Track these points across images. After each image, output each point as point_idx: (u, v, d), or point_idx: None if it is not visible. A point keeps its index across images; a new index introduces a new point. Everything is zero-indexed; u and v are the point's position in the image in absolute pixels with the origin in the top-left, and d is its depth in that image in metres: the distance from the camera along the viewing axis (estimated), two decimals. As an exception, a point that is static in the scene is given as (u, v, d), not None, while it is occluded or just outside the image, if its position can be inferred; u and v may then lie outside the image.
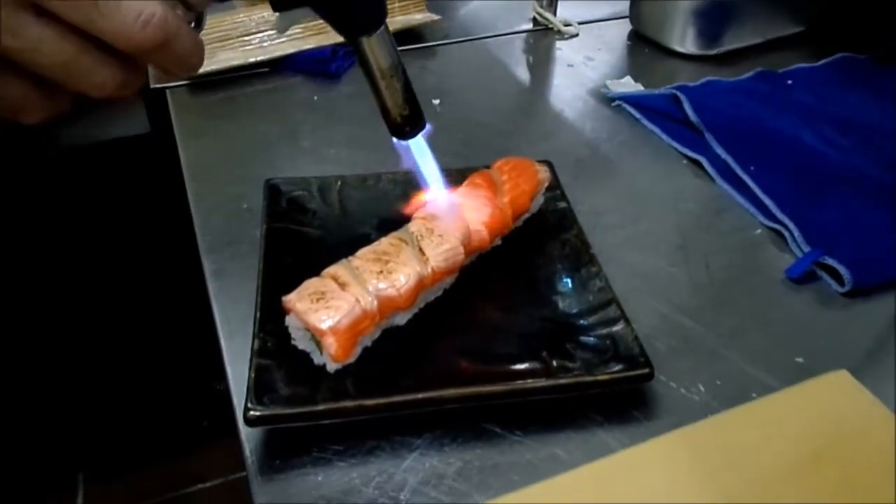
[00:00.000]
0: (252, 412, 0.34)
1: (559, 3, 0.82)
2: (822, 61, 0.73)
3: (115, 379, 1.20)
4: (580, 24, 0.81)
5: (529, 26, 0.82)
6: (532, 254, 0.46)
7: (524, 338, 0.40)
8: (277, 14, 0.35)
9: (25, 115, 0.28)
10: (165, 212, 0.71)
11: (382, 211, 0.49)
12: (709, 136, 0.60)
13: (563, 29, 0.79)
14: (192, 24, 0.31)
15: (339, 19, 0.35)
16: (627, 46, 0.79)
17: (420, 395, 0.36)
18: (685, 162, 0.59)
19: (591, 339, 0.40)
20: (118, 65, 0.27)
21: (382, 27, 0.36)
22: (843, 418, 0.37)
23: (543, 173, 0.48)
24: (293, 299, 0.37)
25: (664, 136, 0.62)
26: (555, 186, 0.50)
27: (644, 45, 0.78)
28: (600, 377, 0.37)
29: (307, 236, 0.47)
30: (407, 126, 0.40)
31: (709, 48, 0.75)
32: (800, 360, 0.42)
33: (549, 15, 0.80)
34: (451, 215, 0.42)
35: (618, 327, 0.40)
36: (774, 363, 0.42)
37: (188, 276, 0.51)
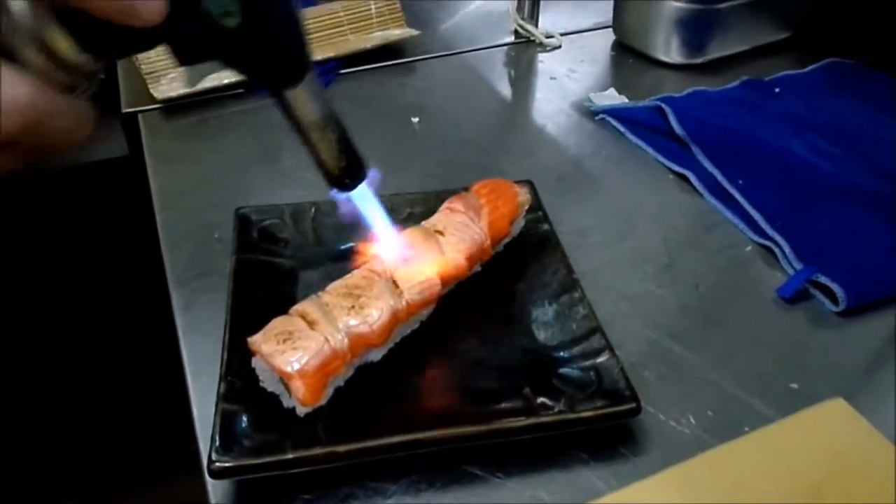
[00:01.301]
0: (217, 464, 0.32)
1: (541, 15, 0.80)
2: (810, 67, 0.72)
3: (101, 404, 1.18)
4: (562, 35, 0.79)
5: (511, 39, 0.80)
6: (513, 280, 0.45)
7: (505, 372, 0.38)
8: (183, 68, 0.32)
9: None
10: (137, 240, 0.69)
11: (358, 238, 0.47)
12: (695, 149, 0.58)
13: (545, 41, 0.78)
14: (84, 88, 0.27)
15: (255, 73, 0.32)
16: (611, 57, 0.77)
17: (395, 440, 0.34)
18: (672, 176, 0.58)
19: (575, 371, 0.38)
20: None
21: (308, 76, 0.33)
22: (841, 450, 0.35)
23: (523, 196, 0.46)
24: (258, 340, 0.35)
25: (650, 150, 0.60)
26: (536, 208, 0.49)
27: (628, 56, 0.77)
28: (584, 414, 0.35)
29: (279, 267, 0.45)
30: (346, 178, 0.37)
31: (694, 57, 0.74)
32: (794, 385, 0.40)
33: (530, 27, 0.79)
34: (426, 244, 0.40)
35: (602, 358, 0.38)
36: (768, 389, 0.40)
37: (162, 306, 0.50)
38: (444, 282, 0.40)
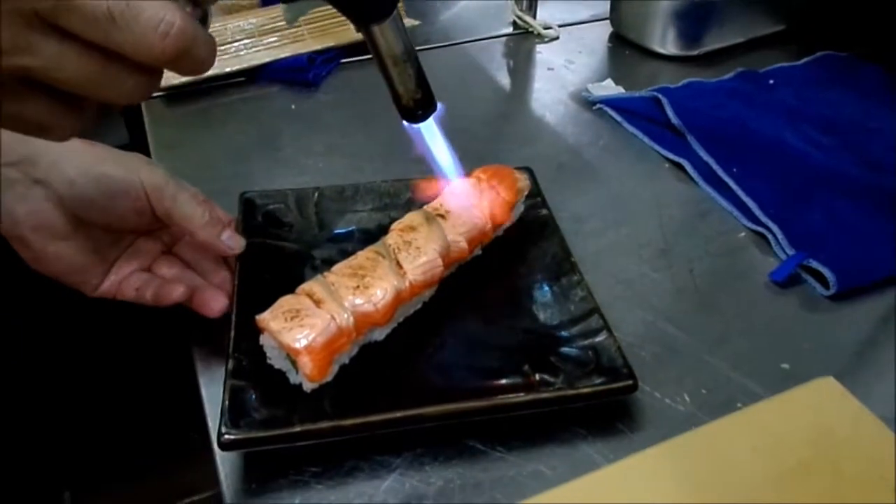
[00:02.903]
0: (226, 436, 0.33)
1: (539, 6, 0.81)
2: (804, 60, 0.73)
3: (101, 393, 1.19)
4: (560, 26, 0.80)
5: (509, 30, 0.81)
6: (513, 263, 0.46)
7: (505, 351, 0.39)
8: (284, 6, 0.34)
9: (53, 134, 0.28)
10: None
11: (361, 222, 0.48)
12: (691, 139, 0.59)
13: (543, 32, 0.79)
14: (199, 22, 0.31)
15: (351, 8, 0.35)
16: (608, 49, 0.78)
17: (399, 414, 0.35)
18: (667, 165, 0.59)
19: (574, 350, 0.39)
20: (141, 72, 0.27)
21: (394, 13, 0.36)
22: (831, 426, 0.36)
23: (523, 181, 0.47)
24: (266, 318, 0.36)
25: (646, 140, 0.61)
26: (535, 193, 0.50)
27: (625, 47, 0.78)
28: (583, 390, 0.36)
29: (284, 251, 0.46)
30: (419, 110, 0.39)
31: (690, 49, 0.75)
32: (785, 365, 0.41)
33: (528, 18, 0.80)
34: (430, 226, 0.41)
35: (600, 338, 0.39)
36: (760, 369, 0.41)
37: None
38: (447, 264, 0.41)
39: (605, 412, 0.38)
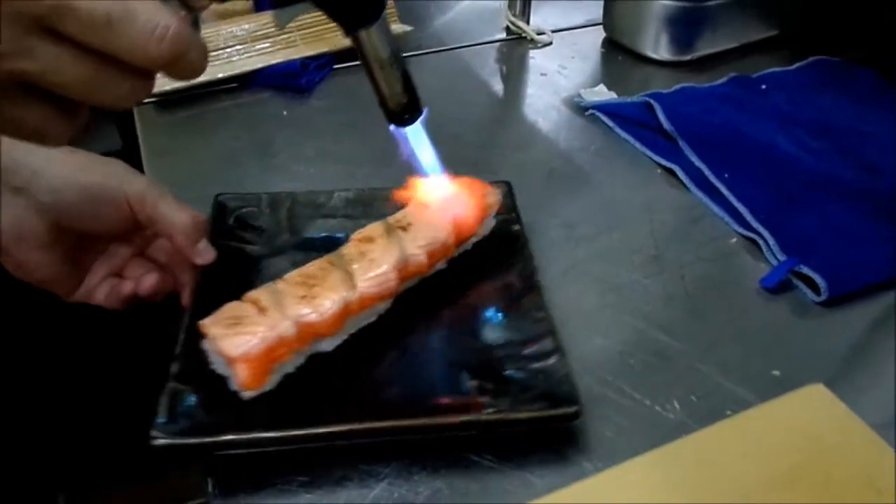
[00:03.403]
0: (159, 440, 0.34)
1: (532, 12, 0.81)
2: (797, 65, 0.73)
3: (96, 397, 1.18)
4: (554, 32, 0.80)
5: (503, 36, 0.81)
6: (476, 279, 0.45)
7: (454, 370, 0.39)
8: (275, 11, 0.35)
9: (49, 139, 0.28)
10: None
11: (332, 229, 0.48)
12: (683, 144, 0.59)
13: (537, 38, 0.79)
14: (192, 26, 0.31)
15: (339, 13, 0.36)
16: (601, 54, 0.78)
17: (333, 429, 0.34)
18: (659, 171, 0.59)
19: (521, 373, 0.38)
20: (135, 75, 0.27)
21: (381, 17, 0.36)
22: (820, 433, 0.36)
23: (493, 196, 0.46)
24: (207, 324, 0.36)
25: (638, 145, 0.61)
26: (510, 208, 0.49)
27: (618, 53, 0.78)
28: (522, 416, 0.35)
29: (249, 255, 0.46)
30: (406, 114, 0.40)
31: (683, 54, 0.75)
32: (776, 372, 0.41)
33: (522, 24, 0.80)
34: (390, 238, 0.41)
35: (551, 361, 0.38)
36: (750, 376, 0.41)
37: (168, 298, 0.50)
38: (404, 277, 0.41)
39: (596, 421, 0.38)
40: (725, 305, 0.46)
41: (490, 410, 0.36)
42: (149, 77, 0.28)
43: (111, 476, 1.21)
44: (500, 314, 0.42)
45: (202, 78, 0.66)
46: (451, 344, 0.41)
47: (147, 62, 0.26)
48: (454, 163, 0.59)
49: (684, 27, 0.74)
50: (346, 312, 0.38)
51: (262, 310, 0.36)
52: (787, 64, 0.73)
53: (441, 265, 0.44)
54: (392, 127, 0.41)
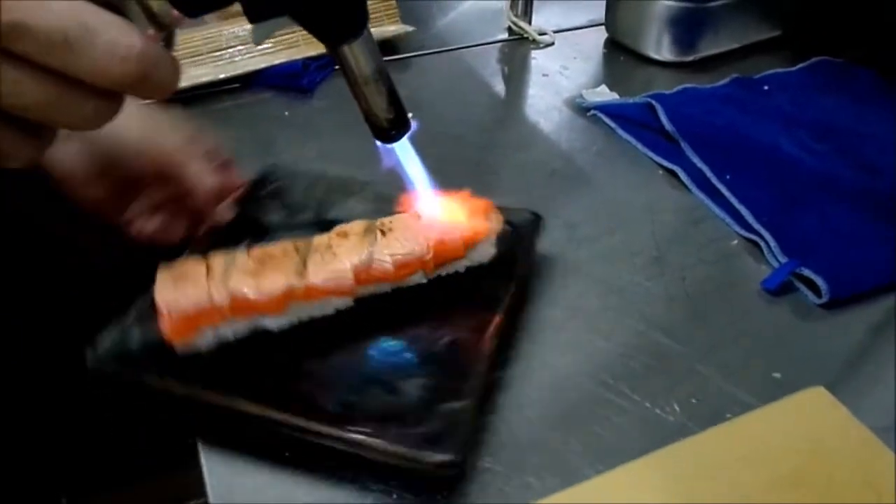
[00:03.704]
0: (92, 364, 0.37)
1: (534, 12, 0.81)
2: (799, 66, 0.73)
3: (97, 398, 1.18)
4: (556, 32, 0.80)
5: (505, 36, 0.81)
6: (446, 305, 0.42)
7: (364, 386, 0.37)
8: (252, 25, 0.34)
9: (12, 161, 0.27)
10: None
11: (352, 216, 0.46)
12: (684, 145, 0.59)
13: (539, 38, 0.79)
14: (163, 44, 0.30)
15: (320, 27, 0.34)
16: (603, 54, 0.78)
17: (233, 404, 0.36)
18: (661, 172, 0.59)
19: (427, 411, 0.35)
20: (100, 97, 0.26)
21: (365, 32, 0.35)
22: (820, 436, 0.36)
23: (494, 223, 0.44)
24: (161, 270, 0.38)
25: (640, 146, 0.61)
26: (526, 240, 0.46)
27: (620, 53, 0.78)
28: (397, 449, 0.33)
29: (266, 226, 0.47)
30: (393, 129, 0.39)
31: (685, 55, 0.75)
32: (777, 374, 0.41)
33: (524, 24, 0.80)
34: (364, 238, 0.41)
35: (461, 404, 0.35)
36: (751, 379, 0.41)
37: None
38: (364, 280, 0.40)
39: (594, 424, 0.38)
40: (726, 307, 0.46)
41: (363, 433, 0.34)
42: (115, 98, 0.27)
43: (113, 477, 1.21)
44: (446, 345, 0.39)
45: (204, 78, 0.67)
46: (381, 358, 0.39)
47: (110, 83, 0.25)
48: (455, 163, 0.59)
49: (686, 28, 0.74)
50: (288, 297, 0.38)
51: (210, 272, 0.38)
52: (789, 65, 0.73)
53: (419, 278, 0.42)
54: (379, 143, 0.40)
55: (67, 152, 0.45)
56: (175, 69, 0.27)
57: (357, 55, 0.35)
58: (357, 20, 0.35)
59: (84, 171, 0.46)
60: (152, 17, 0.28)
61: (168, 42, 0.31)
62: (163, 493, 1.18)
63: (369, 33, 0.35)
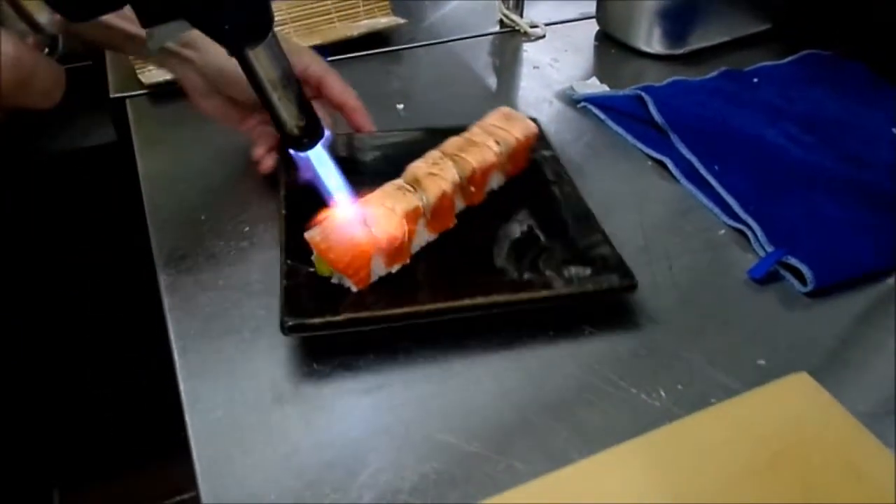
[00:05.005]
0: (287, 322, 0.38)
1: (526, 5, 0.81)
2: (788, 59, 0.74)
3: (90, 390, 1.19)
4: (547, 25, 0.81)
5: (496, 28, 0.81)
6: (525, 203, 0.52)
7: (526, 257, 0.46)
8: (146, 30, 0.32)
9: None
10: (126, 222, 0.70)
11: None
12: (673, 137, 0.59)
13: (530, 30, 0.79)
14: (46, 51, 0.29)
15: (220, 31, 0.33)
16: (594, 47, 0.78)
17: (440, 305, 0.41)
18: (650, 163, 0.59)
19: (580, 259, 0.45)
20: None
21: (269, 36, 0.34)
22: (803, 421, 0.37)
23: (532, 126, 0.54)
24: (314, 236, 0.41)
25: (629, 137, 0.61)
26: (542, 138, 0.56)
27: (611, 46, 0.78)
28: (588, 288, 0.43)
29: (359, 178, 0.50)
30: (305, 137, 0.38)
31: (675, 48, 0.75)
32: (762, 361, 0.42)
33: (515, 17, 0.80)
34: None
35: (604, 250, 0.45)
36: (736, 365, 0.41)
37: (154, 287, 0.51)
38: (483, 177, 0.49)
39: (580, 406, 0.38)
40: (713, 295, 0.47)
41: (562, 286, 0.43)
42: None
43: (104, 469, 1.21)
44: (559, 220, 0.49)
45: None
46: (523, 241, 0.48)
47: None
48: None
49: (677, 21, 0.74)
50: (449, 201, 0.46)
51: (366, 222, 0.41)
52: (778, 58, 0.73)
53: (499, 180, 0.52)
54: (292, 152, 0.39)
55: (186, 73, 0.51)
56: (57, 77, 0.26)
57: (262, 60, 0.35)
58: (260, 24, 0.34)
59: (199, 89, 0.52)
60: (34, 24, 0.27)
61: (52, 48, 0.29)
62: (154, 485, 1.18)
63: (275, 37, 0.35)
